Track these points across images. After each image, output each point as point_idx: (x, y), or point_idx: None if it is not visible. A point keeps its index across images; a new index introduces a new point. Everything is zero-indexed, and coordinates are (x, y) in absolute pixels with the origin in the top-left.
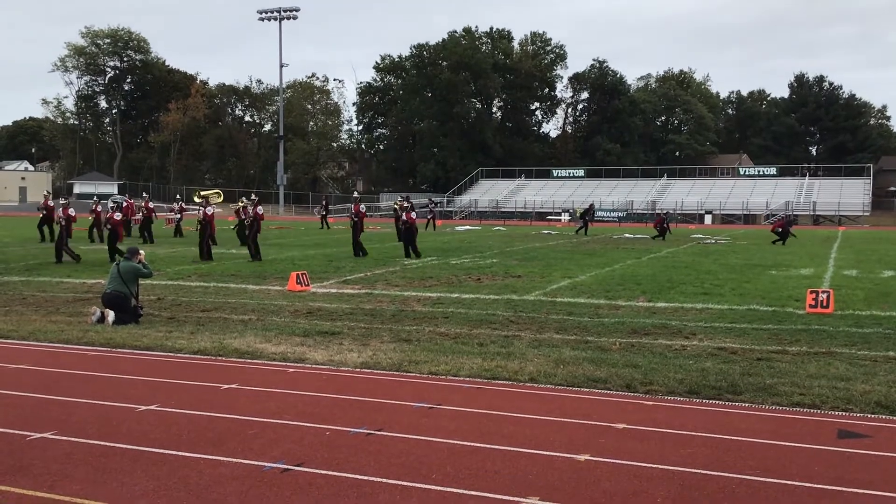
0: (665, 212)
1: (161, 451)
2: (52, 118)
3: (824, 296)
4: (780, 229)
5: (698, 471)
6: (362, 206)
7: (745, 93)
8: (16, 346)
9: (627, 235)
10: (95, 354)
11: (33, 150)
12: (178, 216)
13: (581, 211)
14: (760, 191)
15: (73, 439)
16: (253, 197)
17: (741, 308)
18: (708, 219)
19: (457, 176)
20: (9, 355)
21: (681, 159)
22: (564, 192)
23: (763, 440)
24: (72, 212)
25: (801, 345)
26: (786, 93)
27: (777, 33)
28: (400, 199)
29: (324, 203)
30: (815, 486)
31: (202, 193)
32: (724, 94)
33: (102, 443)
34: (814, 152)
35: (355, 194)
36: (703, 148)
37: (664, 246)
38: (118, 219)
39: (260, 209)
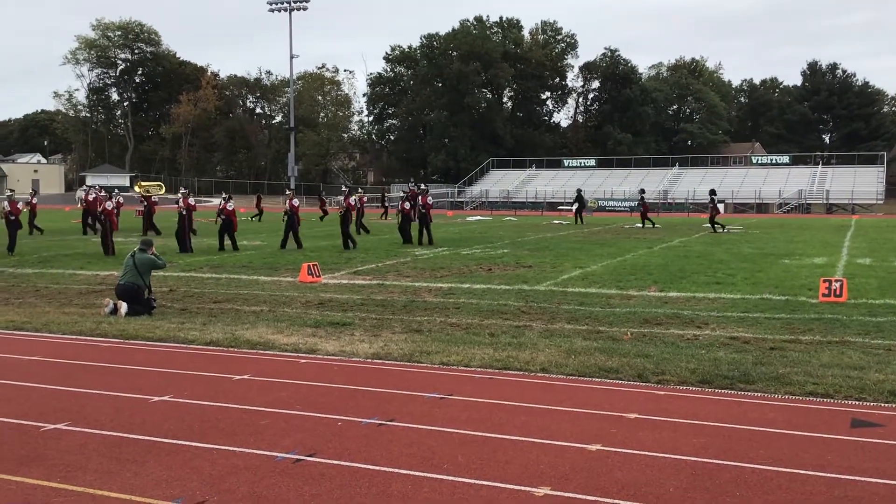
0: (642, 197)
1: (174, 441)
2: (63, 111)
3: (837, 284)
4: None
5: (710, 460)
6: (352, 199)
7: (757, 81)
8: (29, 337)
9: (639, 225)
10: (108, 346)
11: (46, 143)
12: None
13: (574, 200)
14: (773, 179)
15: (86, 430)
16: (291, 189)
17: (754, 297)
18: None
19: (468, 166)
20: (23, 347)
21: (693, 148)
22: (575, 182)
23: (776, 430)
24: (192, 201)
25: (814, 334)
26: (799, 81)
27: (790, 20)
28: (410, 185)
29: (322, 196)
30: (829, 475)
31: (143, 184)
32: (736, 83)
33: (116, 433)
34: (827, 140)
35: (343, 188)
36: (715, 137)
37: (676, 235)
38: (110, 209)
39: (296, 201)
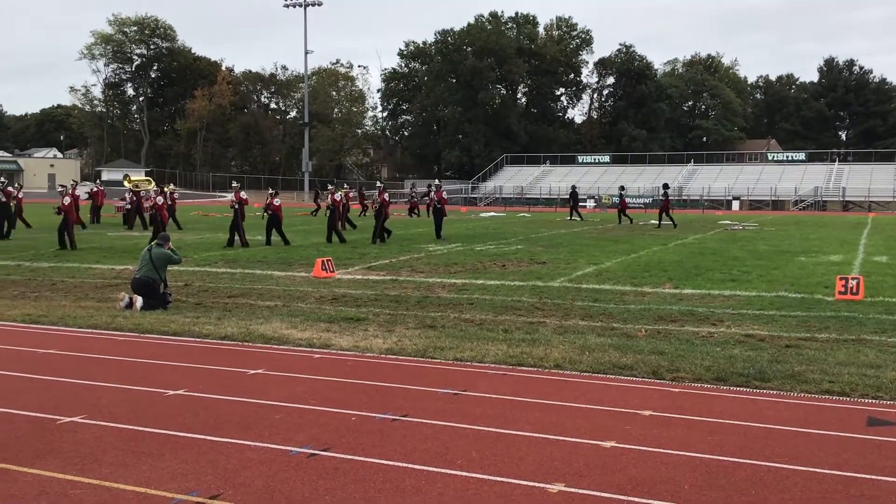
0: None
1: (189, 435)
2: (79, 106)
3: (854, 282)
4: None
5: (726, 458)
6: (338, 195)
7: (773, 77)
8: (46, 331)
9: (653, 222)
10: (124, 339)
11: (62, 138)
12: (128, 206)
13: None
14: (789, 177)
15: (102, 423)
16: (330, 186)
17: (769, 295)
18: (735, 205)
19: (482, 162)
20: (39, 340)
21: (708, 145)
22: (590, 178)
23: (792, 428)
24: (243, 195)
25: (830, 332)
26: (815, 77)
27: (806, 16)
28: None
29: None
30: (845, 474)
31: (132, 179)
32: (752, 79)
33: (131, 427)
34: (843, 137)
35: (329, 187)
36: (730, 133)
37: (690, 232)
38: (67, 204)
39: (338, 195)
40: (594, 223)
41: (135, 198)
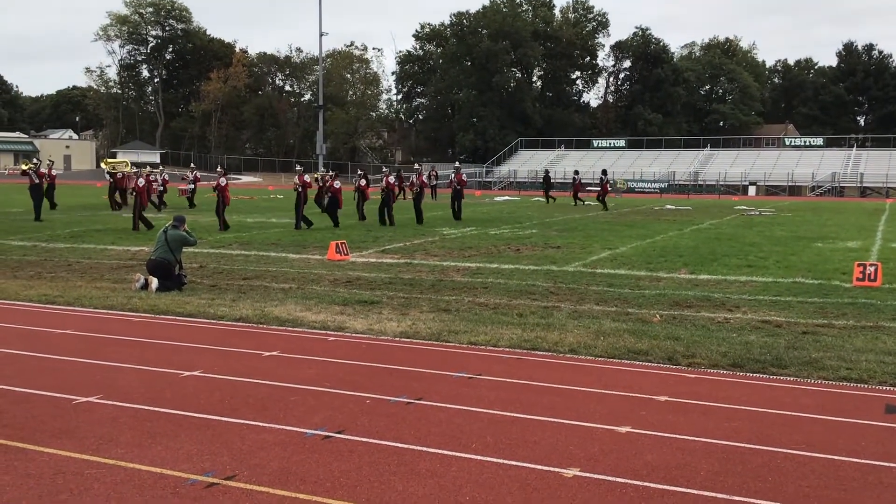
0: (578, 177)
1: (204, 416)
2: (95, 87)
3: (872, 269)
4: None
5: (742, 444)
6: (307, 177)
7: (791, 61)
8: (62, 311)
9: (669, 207)
10: (139, 320)
11: (77, 119)
12: (192, 186)
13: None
14: (806, 162)
15: (118, 403)
16: (332, 172)
17: (786, 281)
18: (752, 190)
19: (496, 146)
20: (55, 321)
21: (725, 129)
22: (605, 162)
23: (809, 415)
24: (307, 178)
25: (847, 318)
26: (834, 61)
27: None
28: (323, 171)
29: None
30: (862, 461)
31: (109, 161)
32: (770, 63)
33: (147, 407)
34: (862, 122)
35: (298, 167)
36: (747, 118)
37: (707, 217)
38: (141, 186)
39: (337, 183)
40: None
41: (111, 180)
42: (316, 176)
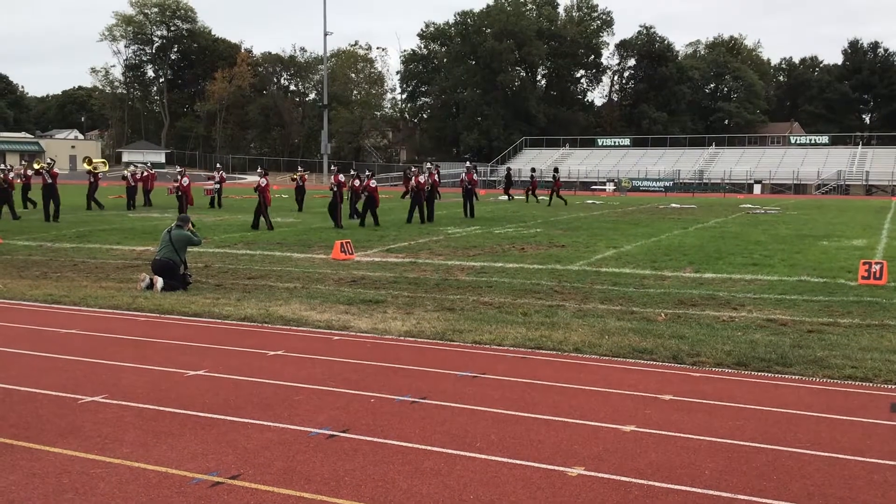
0: (533, 174)
1: (209, 415)
2: (100, 87)
3: (877, 267)
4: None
5: (747, 443)
6: (342, 176)
7: (796, 59)
8: (67, 311)
9: (674, 205)
10: (145, 320)
11: (83, 119)
12: (217, 186)
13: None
14: (812, 160)
15: (123, 403)
16: (368, 172)
17: (791, 279)
18: (757, 188)
19: (500, 145)
20: (61, 320)
21: (730, 128)
22: (609, 161)
23: (814, 413)
24: (341, 177)
25: (853, 317)
26: (839, 59)
27: None
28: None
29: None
30: (868, 460)
31: (92, 161)
32: (775, 61)
33: (152, 406)
34: (867, 120)
35: (259, 169)
36: (752, 116)
37: (712, 216)
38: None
39: (374, 182)
40: (612, 207)
41: (92, 178)
42: (294, 176)
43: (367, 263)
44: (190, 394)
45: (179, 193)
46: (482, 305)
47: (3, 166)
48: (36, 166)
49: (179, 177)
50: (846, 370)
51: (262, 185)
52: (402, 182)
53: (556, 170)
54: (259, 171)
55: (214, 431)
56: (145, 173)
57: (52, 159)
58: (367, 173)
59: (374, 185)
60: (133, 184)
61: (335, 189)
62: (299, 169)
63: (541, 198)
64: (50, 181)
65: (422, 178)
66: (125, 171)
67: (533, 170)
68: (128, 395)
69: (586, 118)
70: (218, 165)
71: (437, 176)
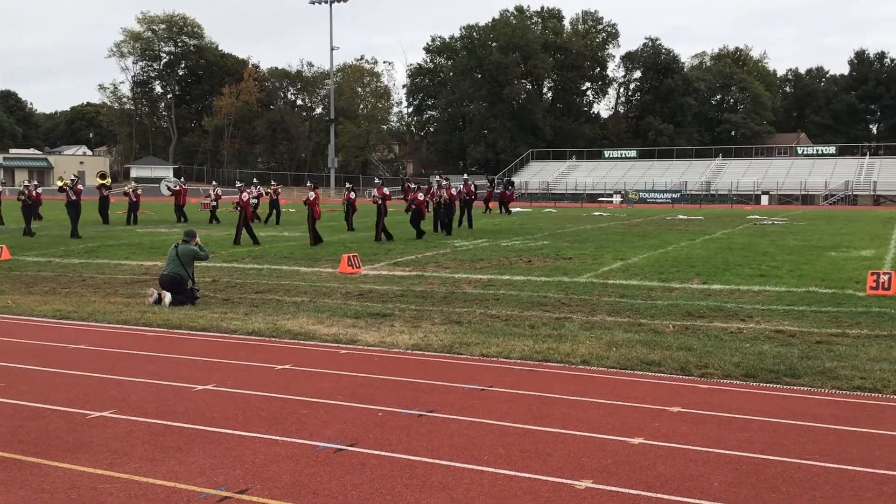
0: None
1: (217, 430)
2: (108, 103)
3: (886, 277)
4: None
5: (756, 455)
6: (386, 189)
7: (803, 70)
8: (76, 326)
9: (681, 217)
10: (153, 335)
11: (91, 135)
12: (214, 202)
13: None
14: (819, 171)
15: (131, 418)
16: (414, 184)
17: (799, 290)
18: (764, 199)
19: (507, 158)
20: (69, 335)
21: (736, 139)
22: (616, 173)
23: (823, 425)
24: (386, 191)
25: (861, 328)
26: (846, 70)
27: (836, 8)
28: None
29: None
30: (877, 471)
31: (107, 176)
32: (781, 72)
33: (160, 421)
34: (874, 131)
35: (238, 183)
36: (759, 127)
37: (719, 227)
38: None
39: (420, 195)
40: (619, 219)
41: (104, 192)
42: (268, 190)
43: (374, 277)
44: (198, 408)
45: (214, 206)
46: (489, 318)
47: (26, 182)
48: (59, 183)
49: (212, 191)
50: (855, 381)
51: (312, 198)
52: (403, 195)
53: (511, 183)
54: (309, 184)
55: (222, 446)
56: (178, 187)
57: (75, 175)
58: (412, 185)
59: (421, 199)
60: (135, 199)
61: (379, 202)
62: (273, 183)
63: (515, 210)
64: (74, 198)
65: (453, 191)
66: (126, 187)
67: (511, 183)
68: (136, 410)
69: (592, 130)
70: (214, 182)
71: (453, 191)
